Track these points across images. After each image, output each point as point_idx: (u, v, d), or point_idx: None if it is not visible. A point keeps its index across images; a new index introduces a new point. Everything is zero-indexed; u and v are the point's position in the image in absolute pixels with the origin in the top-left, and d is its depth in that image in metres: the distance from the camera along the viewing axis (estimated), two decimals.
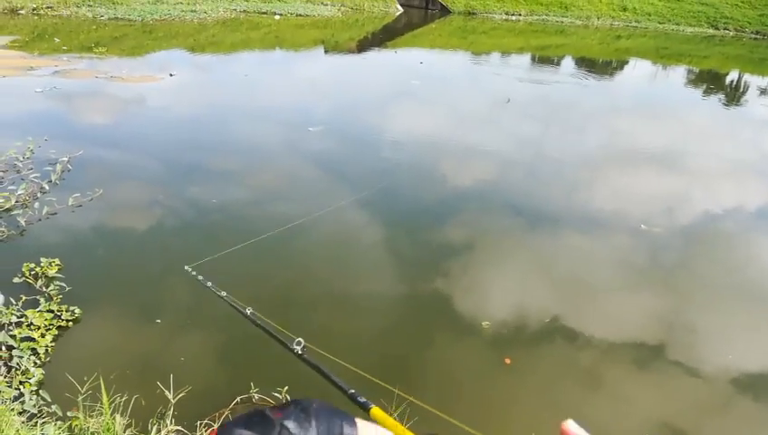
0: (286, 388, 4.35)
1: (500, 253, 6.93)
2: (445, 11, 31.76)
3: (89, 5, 21.15)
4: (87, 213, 6.78)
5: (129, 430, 3.76)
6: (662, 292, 6.34)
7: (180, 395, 4.16)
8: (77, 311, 5.00)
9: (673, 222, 8.06)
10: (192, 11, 22.79)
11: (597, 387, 4.84)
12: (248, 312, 2.58)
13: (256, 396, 4.32)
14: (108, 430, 3.62)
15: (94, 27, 18.88)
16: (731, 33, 33.26)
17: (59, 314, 4.94)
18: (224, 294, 2.96)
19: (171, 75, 13.56)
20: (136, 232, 6.58)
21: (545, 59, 23.08)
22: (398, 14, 30.42)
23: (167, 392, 4.16)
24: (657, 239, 7.48)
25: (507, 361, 4.96)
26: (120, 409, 3.81)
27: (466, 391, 4.67)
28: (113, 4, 21.88)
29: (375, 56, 20.75)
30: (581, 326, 5.53)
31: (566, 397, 4.70)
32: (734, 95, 19.44)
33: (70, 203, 6.82)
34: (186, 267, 3.68)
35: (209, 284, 3.11)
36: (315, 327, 5.25)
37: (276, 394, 4.31)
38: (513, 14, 32.45)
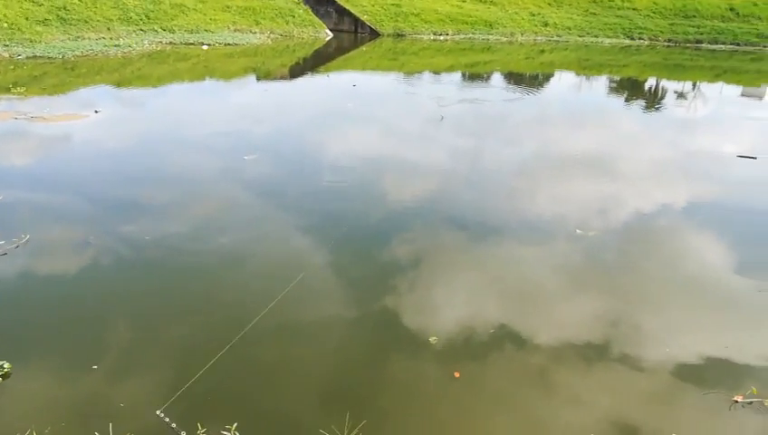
0: (235, 425, 4.23)
1: (442, 267, 6.99)
2: (374, 34, 32.18)
3: (4, 45, 20.28)
4: (13, 261, 6.45)
5: None
6: (601, 292, 6.54)
7: None
8: (6, 365, 4.74)
9: (606, 225, 8.35)
10: (115, 45, 22.24)
11: (547, 392, 4.91)
12: None
13: None
14: None
15: (11, 67, 18.17)
16: (646, 43, 35.34)
17: None
18: None
19: (96, 112, 13.12)
20: (67, 276, 6.29)
21: (475, 75, 23.70)
22: (327, 38, 30.62)
23: None
24: (592, 242, 7.73)
25: (456, 374, 4.98)
26: None
27: (418, 408, 4.66)
28: (31, 42, 21.08)
29: (308, 81, 20.78)
30: (527, 333, 5.63)
31: (517, 405, 4.76)
32: (653, 100, 20.47)
33: None
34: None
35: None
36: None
37: (225, 433, 4.19)
38: (440, 34, 33.24)
